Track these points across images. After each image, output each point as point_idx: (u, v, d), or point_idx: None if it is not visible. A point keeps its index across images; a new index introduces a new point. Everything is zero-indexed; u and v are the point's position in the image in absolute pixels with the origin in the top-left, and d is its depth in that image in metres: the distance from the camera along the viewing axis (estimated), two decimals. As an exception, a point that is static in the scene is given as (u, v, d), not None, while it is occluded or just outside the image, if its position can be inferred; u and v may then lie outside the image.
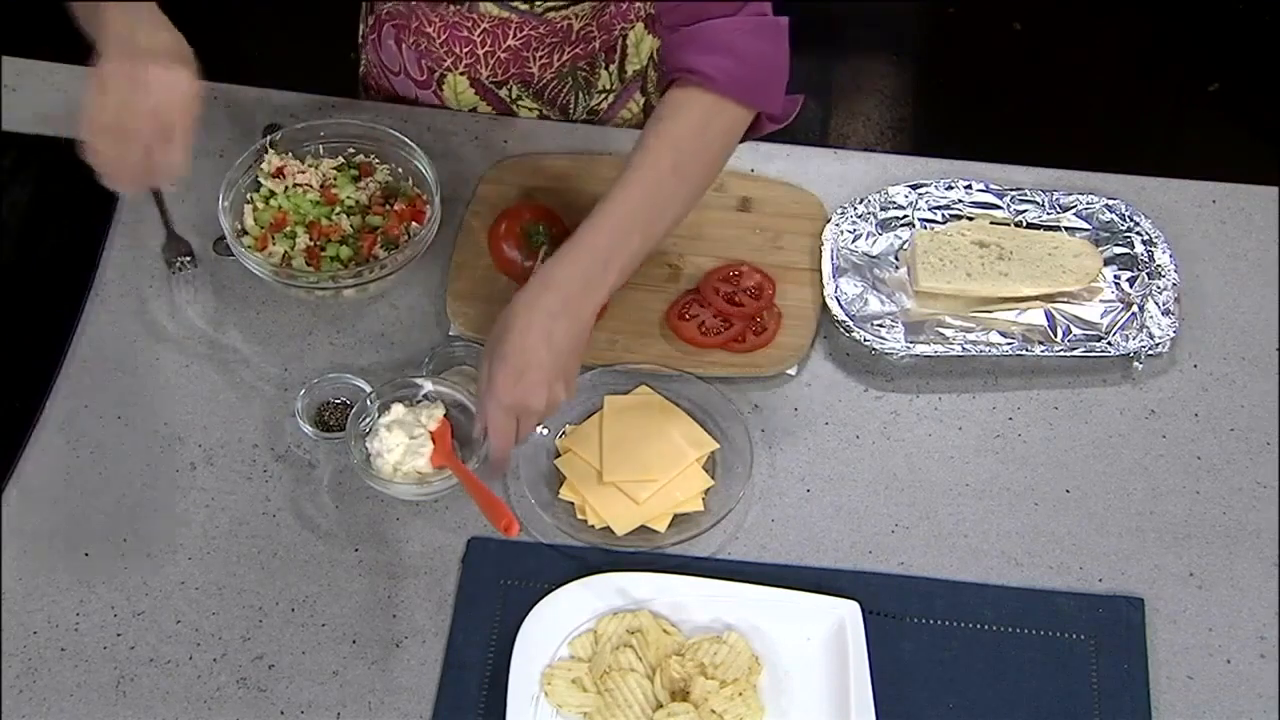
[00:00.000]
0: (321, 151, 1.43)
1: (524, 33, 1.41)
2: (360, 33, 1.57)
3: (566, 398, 1.18)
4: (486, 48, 1.42)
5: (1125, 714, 1.16)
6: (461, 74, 1.47)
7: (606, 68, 1.50)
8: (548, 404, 1.17)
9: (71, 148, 1.09)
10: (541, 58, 1.43)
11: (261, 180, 1.40)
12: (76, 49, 1.14)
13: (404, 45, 1.48)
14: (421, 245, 1.36)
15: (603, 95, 1.54)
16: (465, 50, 1.43)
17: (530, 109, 1.52)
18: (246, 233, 1.38)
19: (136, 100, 1.08)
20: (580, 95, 1.52)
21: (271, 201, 1.39)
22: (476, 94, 1.49)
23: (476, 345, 1.33)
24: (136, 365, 1.35)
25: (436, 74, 1.48)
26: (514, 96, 1.50)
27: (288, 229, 1.37)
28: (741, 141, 1.27)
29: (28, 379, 1.33)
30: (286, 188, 1.40)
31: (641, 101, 1.58)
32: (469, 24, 1.41)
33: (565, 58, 1.44)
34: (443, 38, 1.43)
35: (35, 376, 1.33)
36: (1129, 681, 1.17)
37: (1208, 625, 1.21)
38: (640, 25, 1.47)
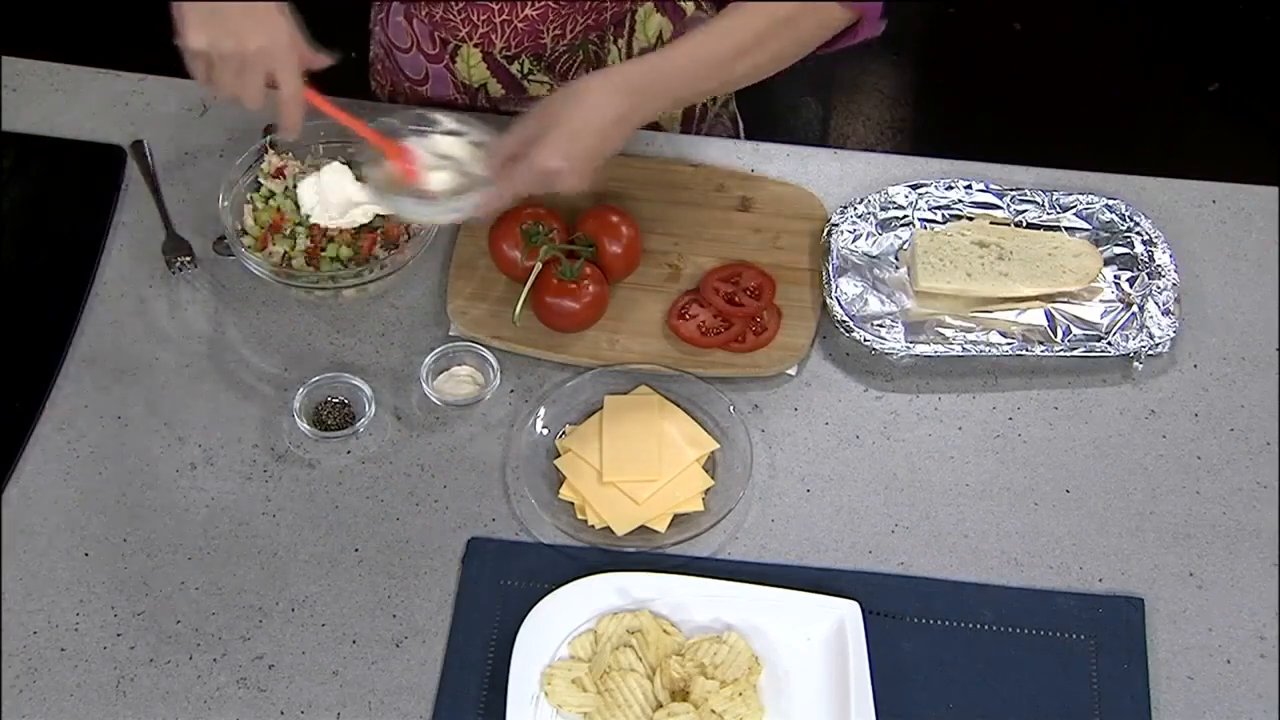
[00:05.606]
0: (321, 151, 1.43)
1: (542, 1, 1.41)
2: (371, 17, 1.58)
3: (568, 190, 1.20)
4: (504, 16, 1.42)
5: (1125, 714, 1.16)
6: (475, 45, 1.46)
7: (615, 42, 1.49)
8: (559, 182, 1.19)
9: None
10: (555, 28, 1.43)
11: (261, 180, 1.40)
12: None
13: (415, 20, 1.48)
14: (422, 245, 1.36)
15: None
16: (483, 19, 1.43)
17: (541, 83, 1.51)
18: (246, 233, 1.38)
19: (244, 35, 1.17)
20: (590, 70, 1.52)
21: (271, 202, 1.39)
22: (488, 69, 1.48)
23: (477, 346, 1.33)
24: (136, 365, 1.35)
25: (450, 45, 1.47)
26: (525, 71, 1.49)
27: (287, 229, 1.37)
28: (831, 49, 1.28)
29: (28, 379, 1.33)
30: (286, 188, 1.40)
31: None
32: None
33: (578, 28, 1.43)
34: (461, 3, 1.43)
35: (35, 376, 1.33)
36: (1129, 681, 1.17)
37: (1208, 625, 1.21)
38: (650, 3, 1.47)
